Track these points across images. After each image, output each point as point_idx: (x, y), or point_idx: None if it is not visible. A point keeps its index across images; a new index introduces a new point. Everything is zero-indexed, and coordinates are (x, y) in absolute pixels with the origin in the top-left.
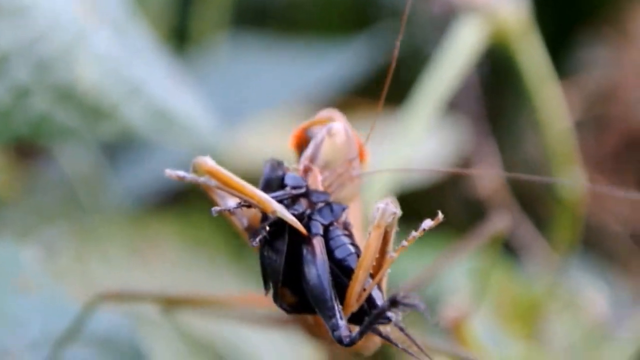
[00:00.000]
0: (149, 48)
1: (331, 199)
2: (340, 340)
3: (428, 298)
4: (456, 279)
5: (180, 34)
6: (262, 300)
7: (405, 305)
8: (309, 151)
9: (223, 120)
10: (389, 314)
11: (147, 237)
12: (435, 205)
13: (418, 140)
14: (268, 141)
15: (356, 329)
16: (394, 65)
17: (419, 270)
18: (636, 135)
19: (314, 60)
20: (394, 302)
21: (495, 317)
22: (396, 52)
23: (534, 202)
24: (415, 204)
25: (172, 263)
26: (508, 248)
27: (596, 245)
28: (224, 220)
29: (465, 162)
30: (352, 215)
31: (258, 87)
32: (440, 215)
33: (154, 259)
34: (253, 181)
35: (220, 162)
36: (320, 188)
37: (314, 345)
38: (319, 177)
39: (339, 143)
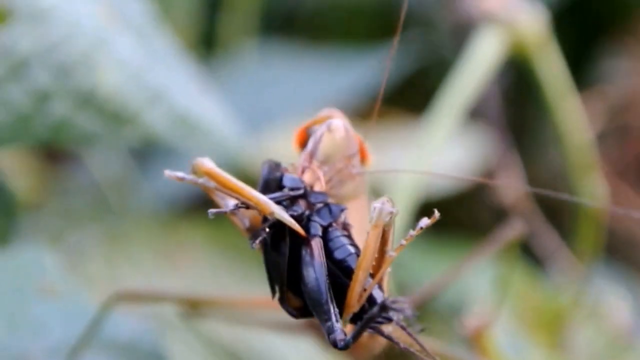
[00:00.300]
0: (172, 54)
1: (331, 195)
2: (335, 344)
3: (449, 303)
4: (478, 286)
5: (207, 41)
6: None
7: (395, 310)
8: (309, 147)
9: (249, 126)
10: (391, 314)
11: (177, 242)
12: (461, 214)
13: (441, 148)
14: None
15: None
16: (383, 86)
17: (440, 274)
18: None
19: (341, 68)
20: (383, 307)
21: (518, 326)
22: (386, 74)
23: (557, 210)
24: (441, 211)
25: (202, 268)
26: (532, 256)
27: (619, 252)
28: None
29: (489, 171)
30: (356, 215)
31: (284, 94)
32: (437, 214)
33: (183, 263)
34: None
35: (244, 168)
36: (322, 183)
37: (332, 352)
38: (320, 172)
39: (338, 138)
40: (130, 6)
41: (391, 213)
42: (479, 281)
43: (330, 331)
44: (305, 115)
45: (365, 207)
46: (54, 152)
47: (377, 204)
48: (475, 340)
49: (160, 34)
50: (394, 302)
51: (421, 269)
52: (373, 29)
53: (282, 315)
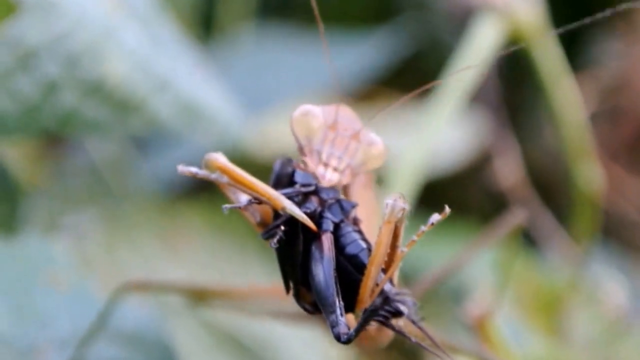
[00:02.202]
0: (176, 41)
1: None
2: (338, 337)
3: (452, 291)
4: (479, 271)
5: (206, 25)
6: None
7: (397, 302)
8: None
9: (248, 109)
10: (402, 308)
11: (176, 225)
12: (459, 195)
13: (441, 130)
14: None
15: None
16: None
17: (443, 259)
18: None
19: (337, 51)
20: (386, 300)
21: (517, 311)
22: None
23: (554, 193)
24: (439, 192)
25: (201, 251)
26: (529, 240)
27: (616, 234)
28: None
29: (487, 153)
30: (364, 209)
31: (282, 77)
32: (447, 209)
33: (182, 247)
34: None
35: (246, 152)
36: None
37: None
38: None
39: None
40: None
41: (403, 209)
42: (479, 267)
43: (334, 324)
44: (303, 98)
45: (372, 201)
46: (54, 138)
47: (389, 201)
48: (477, 328)
49: (164, 22)
50: (397, 294)
51: (420, 254)
52: (369, 12)
53: (287, 304)
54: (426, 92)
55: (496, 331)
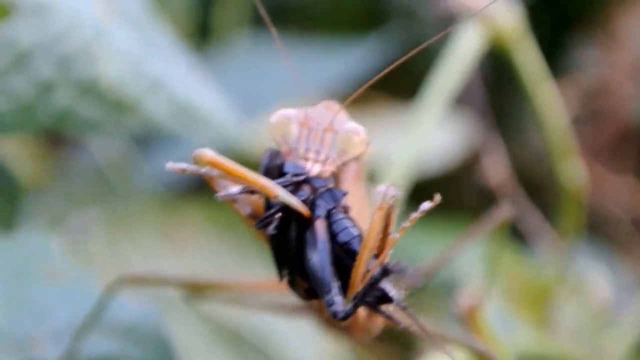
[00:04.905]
0: (170, 45)
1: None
2: (335, 314)
3: (442, 283)
4: (468, 264)
5: (202, 32)
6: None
7: (396, 271)
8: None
9: (243, 112)
10: (392, 294)
11: (176, 222)
12: (449, 193)
13: (429, 132)
14: None
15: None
16: None
17: (434, 253)
18: (629, 128)
19: (328, 57)
20: (385, 270)
21: (505, 303)
22: None
23: (539, 191)
24: (430, 191)
25: (201, 247)
26: (517, 235)
27: (600, 230)
28: None
29: (475, 153)
30: (354, 198)
31: (275, 82)
32: (438, 197)
33: (183, 243)
34: None
35: (240, 152)
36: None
37: (334, 334)
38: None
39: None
40: (128, 0)
41: (395, 196)
42: (469, 261)
43: (331, 303)
44: (301, 103)
45: (362, 191)
46: (57, 137)
47: (382, 188)
48: (468, 319)
49: (157, 26)
50: (395, 265)
51: (410, 249)
52: (359, 20)
53: (283, 297)
54: (412, 94)
55: (486, 322)
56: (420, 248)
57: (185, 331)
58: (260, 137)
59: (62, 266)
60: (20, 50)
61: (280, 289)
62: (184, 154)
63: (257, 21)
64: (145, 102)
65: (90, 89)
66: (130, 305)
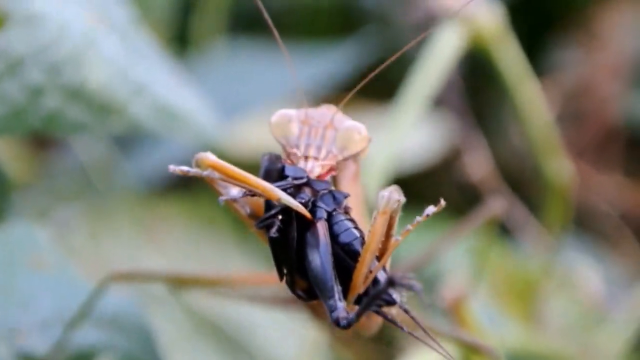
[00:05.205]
0: (152, 52)
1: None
2: (337, 322)
3: (428, 278)
4: (455, 259)
5: (181, 39)
6: (269, 279)
7: (403, 285)
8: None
9: (222, 116)
10: (395, 296)
11: (157, 217)
12: (431, 189)
13: (408, 132)
14: (263, 134)
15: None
16: None
17: (418, 251)
18: (612, 128)
19: (304, 62)
20: (391, 282)
21: (492, 297)
22: None
23: (522, 188)
24: (411, 187)
25: (181, 241)
26: (503, 229)
27: (587, 225)
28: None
29: (456, 151)
30: (353, 198)
31: (253, 87)
32: (443, 202)
33: (163, 237)
34: (251, 169)
35: (220, 153)
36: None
37: (317, 325)
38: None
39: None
40: (114, 11)
41: (398, 200)
42: (456, 256)
43: (333, 309)
44: (279, 106)
45: (360, 192)
46: (42, 138)
47: (385, 192)
48: (453, 311)
49: (141, 35)
50: (402, 277)
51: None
52: (333, 26)
53: (265, 290)
54: (390, 96)
55: (472, 314)
56: (405, 243)
57: (168, 323)
58: (239, 138)
59: (47, 255)
60: (13, 57)
61: (263, 282)
62: (162, 155)
63: (233, 29)
64: (130, 105)
65: (78, 93)
66: (114, 297)
